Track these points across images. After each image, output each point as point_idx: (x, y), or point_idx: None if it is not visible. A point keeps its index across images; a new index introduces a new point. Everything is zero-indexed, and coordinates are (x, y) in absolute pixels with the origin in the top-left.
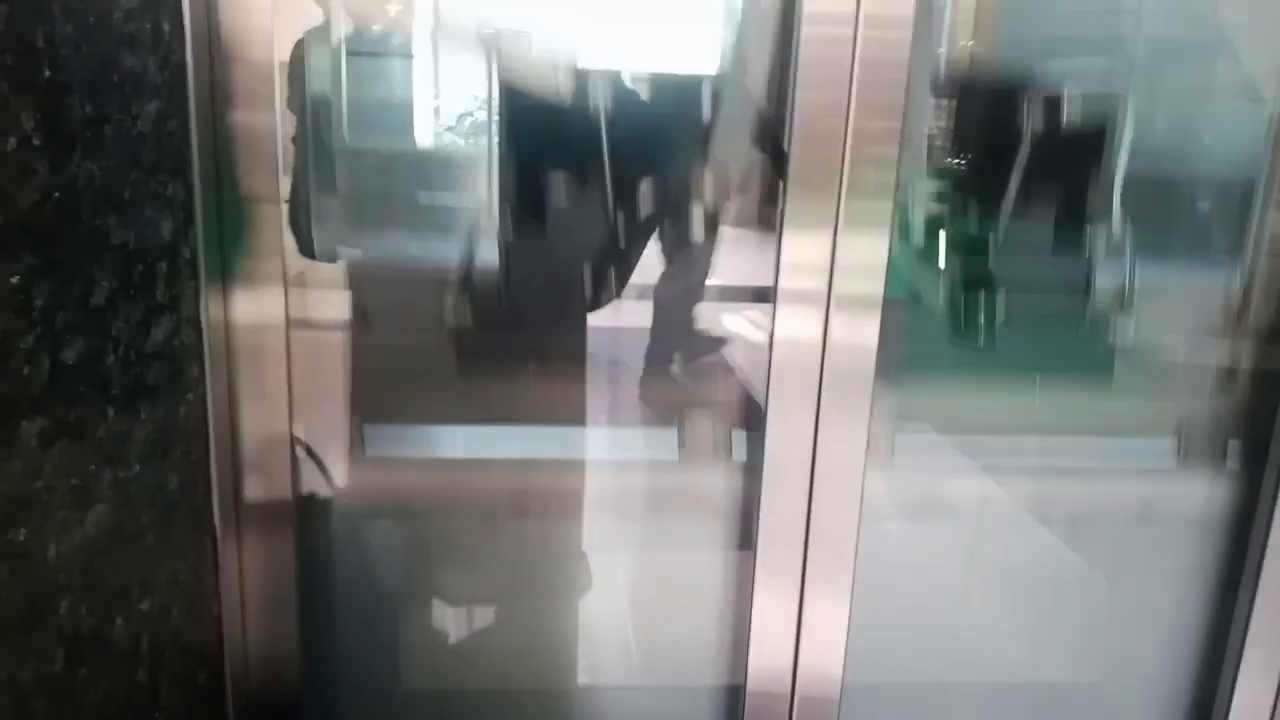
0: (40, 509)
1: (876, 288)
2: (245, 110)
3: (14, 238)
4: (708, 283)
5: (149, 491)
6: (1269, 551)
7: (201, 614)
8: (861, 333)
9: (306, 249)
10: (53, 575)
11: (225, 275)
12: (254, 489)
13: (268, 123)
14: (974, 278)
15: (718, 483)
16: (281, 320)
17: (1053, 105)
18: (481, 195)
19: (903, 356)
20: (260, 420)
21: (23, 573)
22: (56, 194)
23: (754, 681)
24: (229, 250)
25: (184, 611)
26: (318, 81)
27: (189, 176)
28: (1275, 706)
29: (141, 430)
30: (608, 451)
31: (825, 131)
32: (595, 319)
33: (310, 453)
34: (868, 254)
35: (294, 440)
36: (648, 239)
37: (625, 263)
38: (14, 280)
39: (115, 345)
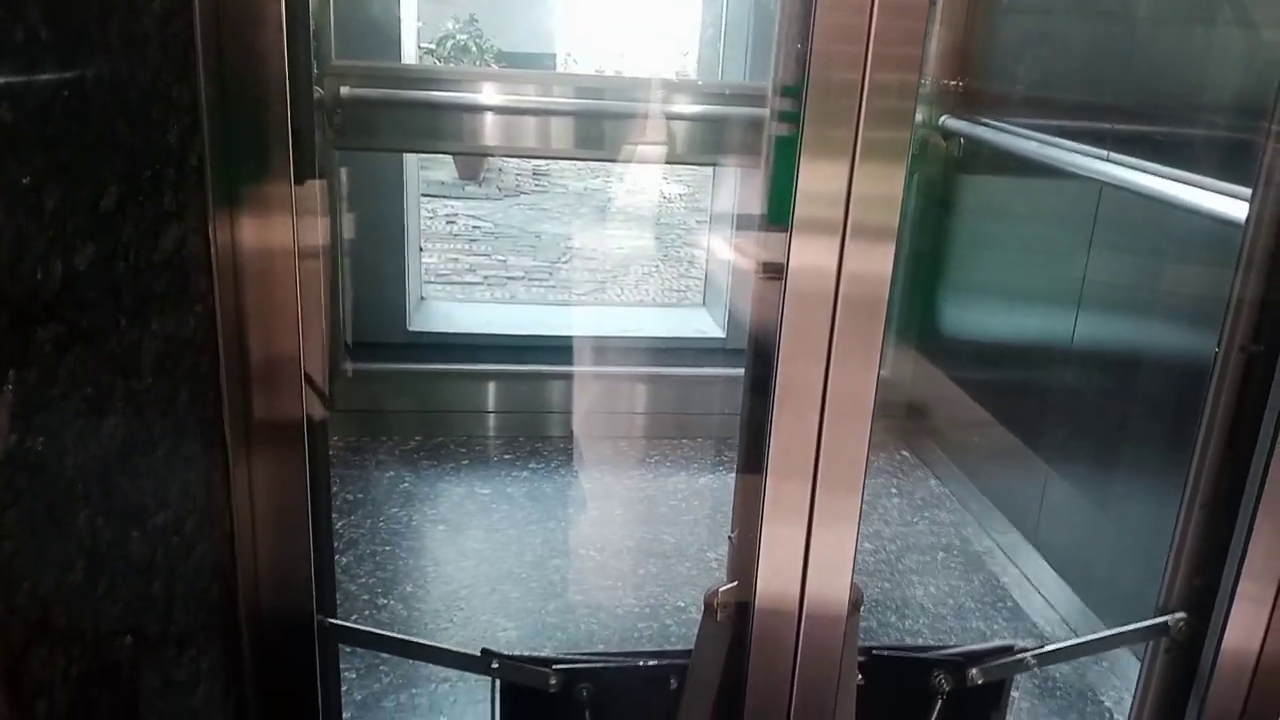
0: (57, 417)
1: (892, 218)
2: (251, 13)
3: (25, 137)
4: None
5: (161, 404)
6: None
7: (214, 529)
8: (876, 262)
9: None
10: (71, 486)
11: (232, 185)
12: (263, 403)
13: (274, 28)
14: None
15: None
16: (289, 236)
17: None
18: None
19: None
20: (269, 335)
21: (42, 482)
22: (65, 93)
23: (762, 600)
24: (236, 160)
25: (197, 526)
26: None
27: (195, 81)
28: None
29: (152, 341)
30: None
31: (844, 59)
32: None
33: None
34: (885, 184)
35: (301, 354)
36: None
37: None
38: (25, 181)
39: (125, 252)
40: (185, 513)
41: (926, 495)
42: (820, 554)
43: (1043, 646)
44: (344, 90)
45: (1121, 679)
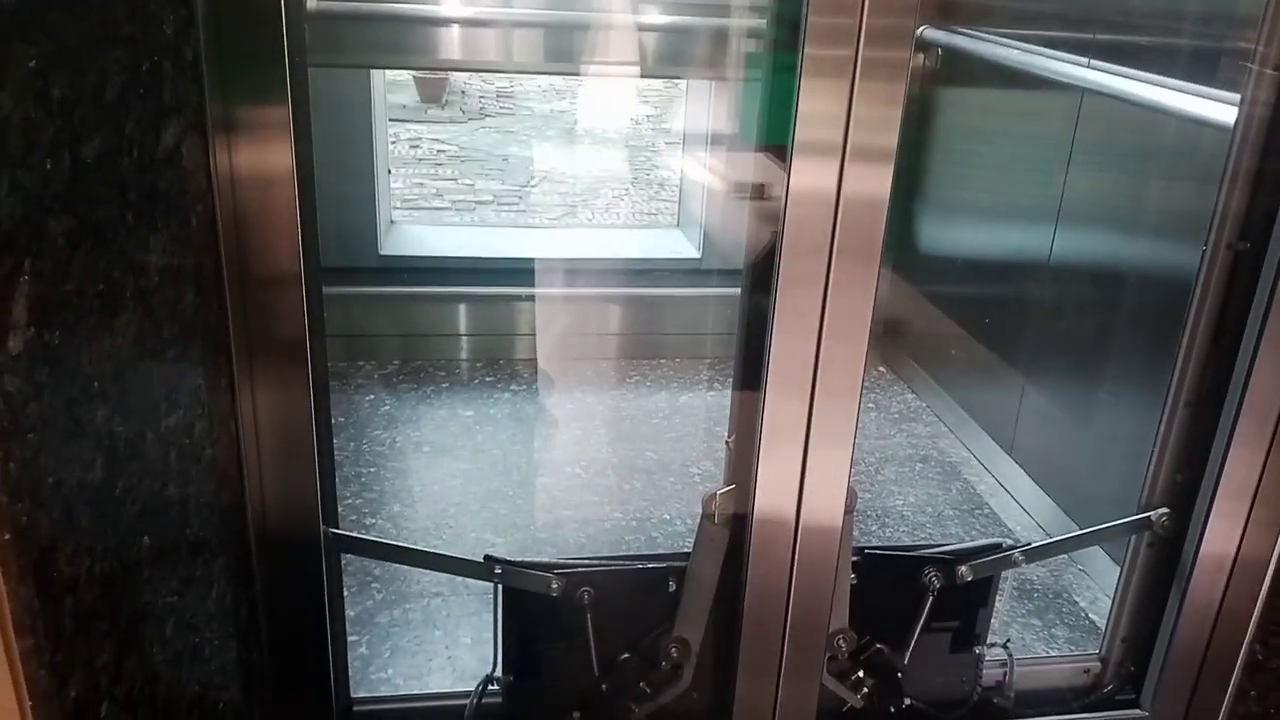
0: (72, 313)
1: (891, 139)
2: None
3: (27, 17)
4: None
5: (168, 304)
6: None
7: (221, 432)
8: (874, 186)
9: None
10: (88, 382)
11: (227, 81)
12: (266, 312)
13: None
14: None
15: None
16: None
17: None
18: None
19: None
20: (269, 237)
21: (60, 377)
22: None
23: (760, 505)
24: (230, 55)
25: (206, 429)
26: None
27: None
28: None
29: (158, 240)
30: None
31: None
32: None
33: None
34: (883, 105)
35: (305, 257)
36: None
37: None
38: (31, 64)
39: (129, 146)
40: (194, 416)
41: (903, 409)
42: (818, 464)
43: (1030, 544)
44: (311, 4)
45: (1098, 581)
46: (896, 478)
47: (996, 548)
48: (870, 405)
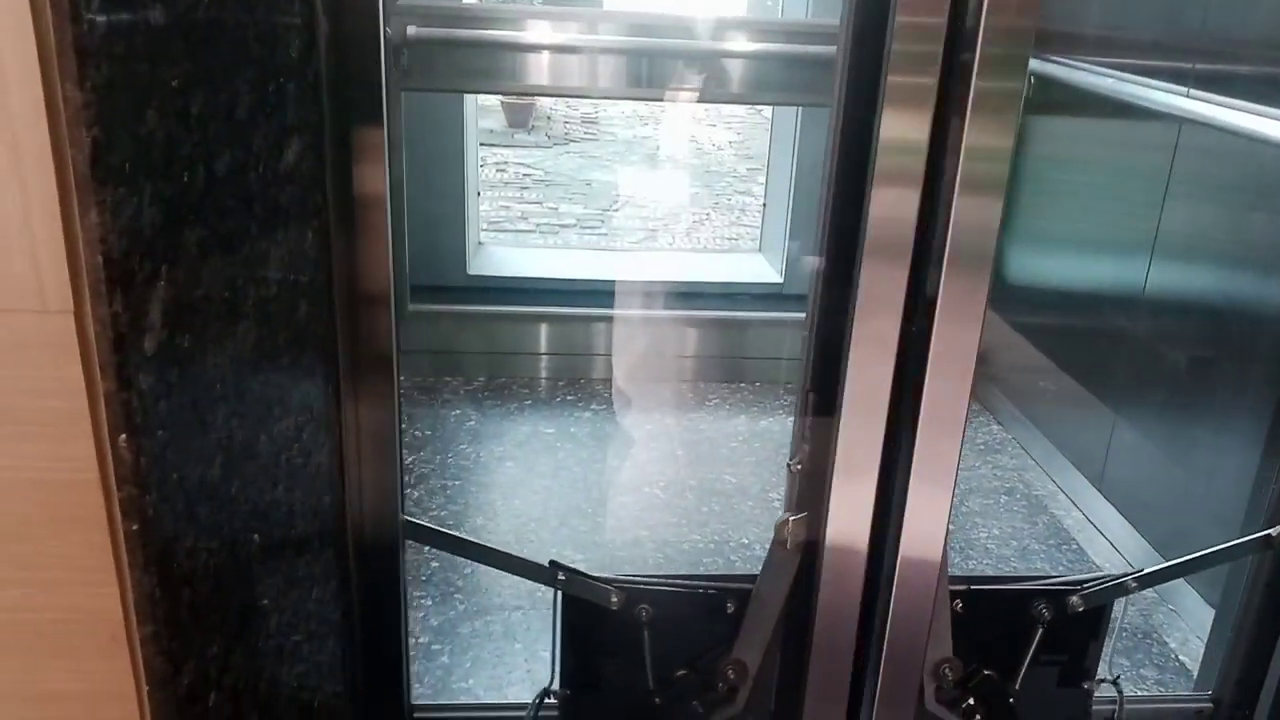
0: (200, 318)
1: (1002, 170)
2: None
3: (175, 39)
4: None
5: (284, 313)
6: None
7: (325, 437)
8: (984, 216)
9: None
10: (211, 385)
11: (343, 104)
12: (363, 323)
13: None
14: None
15: None
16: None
17: None
18: None
19: None
20: (370, 256)
21: (187, 378)
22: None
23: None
24: (341, 78)
25: (314, 435)
26: None
27: (310, 3)
28: None
29: (277, 252)
30: None
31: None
32: None
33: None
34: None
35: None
36: None
37: None
38: (174, 84)
39: (256, 162)
40: (303, 422)
41: (989, 441)
42: (919, 494)
43: (1141, 570)
44: (410, 30)
45: (1188, 622)
46: (981, 509)
47: (1107, 579)
48: None
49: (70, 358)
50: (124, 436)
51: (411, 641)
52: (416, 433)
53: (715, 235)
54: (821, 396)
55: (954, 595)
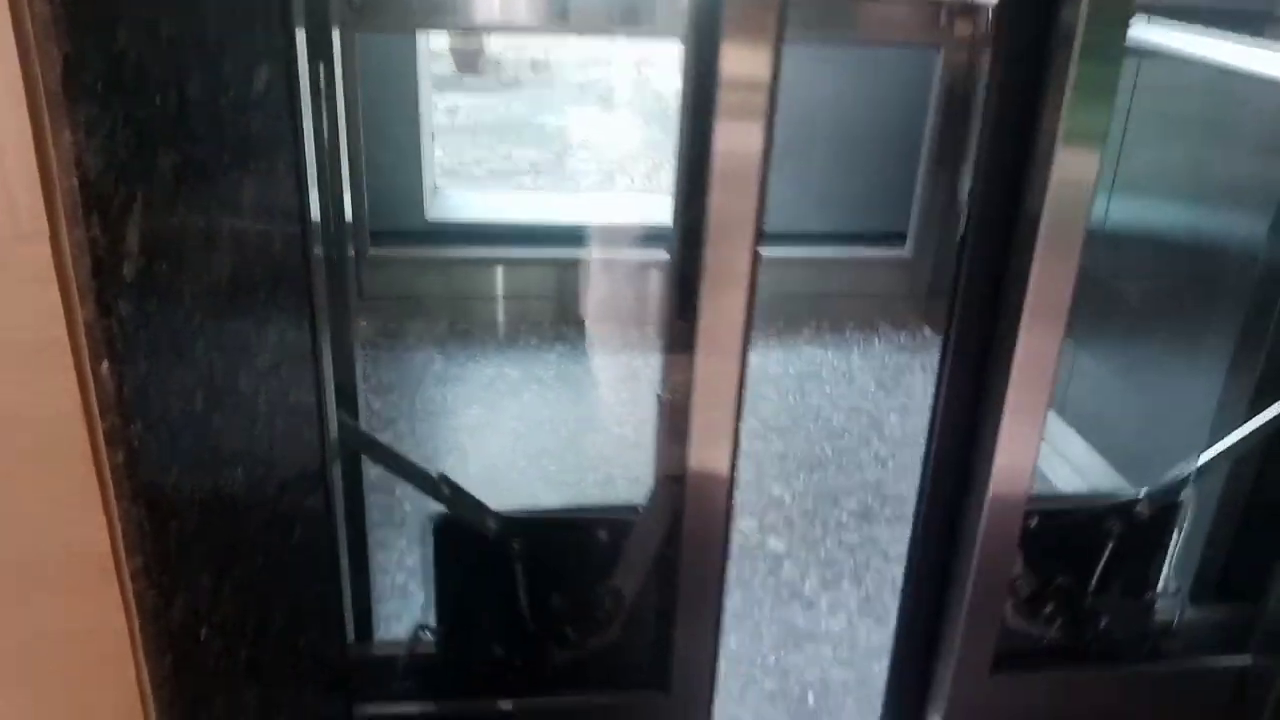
0: (177, 246)
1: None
2: None
3: None
4: None
5: (258, 246)
6: None
7: (305, 374)
8: (1083, 172)
9: None
10: (190, 315)
11: (311, 30)
12: (335, 259)
13: None
14: None
15: None
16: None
17: None
18: None
19: None
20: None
21: (166, 308)
22: None
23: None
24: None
25: (290, 371)
26: None
27: None
28: None
29: (250, 182)
30: None
31: None
32: None
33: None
34: None
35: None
36: None
37: None
38: (143, 2)
39: (226, 88)
40: (280, 357)
41: None
42: (1007, 433)
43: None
44: None
45: None
46: None
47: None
48: (918, 366)
49: (47, 283)
50: (106, 364)
51: (387, 579)
52: (381, 378)
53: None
54: (684, 325)
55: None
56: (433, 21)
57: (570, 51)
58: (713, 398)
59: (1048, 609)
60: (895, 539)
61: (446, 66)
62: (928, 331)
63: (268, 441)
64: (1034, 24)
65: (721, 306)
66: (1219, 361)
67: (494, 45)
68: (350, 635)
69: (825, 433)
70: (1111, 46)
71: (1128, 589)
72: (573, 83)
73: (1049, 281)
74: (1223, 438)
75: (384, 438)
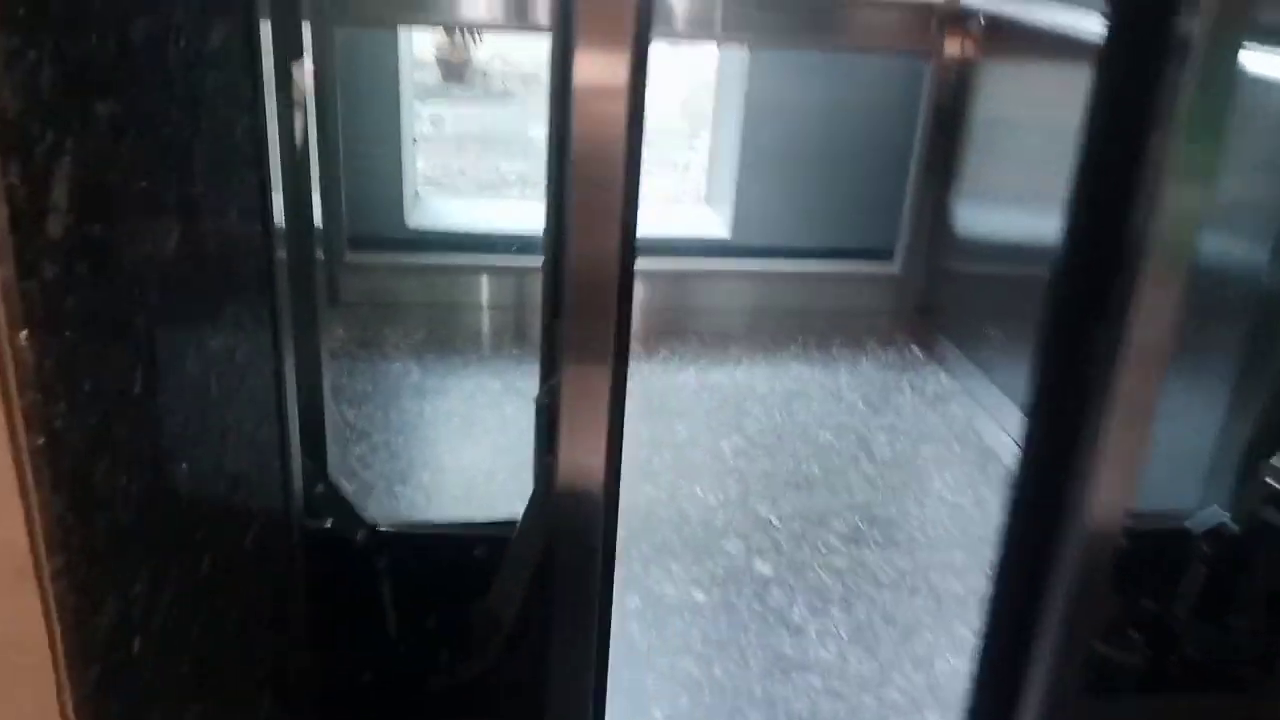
0: (115, 207)
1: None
2: None
3: None
4: None
5: (213, 215)
6: None
7: (263, 363)
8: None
9: None
10: (129, 285)
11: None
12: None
13: None
14: None
15: None
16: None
17: None
18: None
19: None
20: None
21: (100, 275)
22: None
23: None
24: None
25: (247, 358)
26: None
27: None
28: None
29: (202, 144)
30: None
31: None
32: None
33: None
34: None
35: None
36: None
37: None
38: None
39: (177, 36)
40: (237, 341)
41: (938, 391)
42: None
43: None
44: None
45: None
46: (934, 456)
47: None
48: (906, 386)
49: None
50: (25, 333)
51: None
52: (357, 387)
53: (658, 193)
54: (556, 329)
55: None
56: (412, 16)
57: None
58: (583, 406)
59: (1136, 634)
60: (886, 563)
61: (433, 76)
62: (916, 349)
63: (219, 430)
64: (1142, 53)
65: (589, 309)
66: (1221, 378)
67: (482, 55)
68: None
69: (812, 451)
70: (1224, 74)
71: (1218, 612)
72: None
73: (1153, 315)
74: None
75: (358, 450)
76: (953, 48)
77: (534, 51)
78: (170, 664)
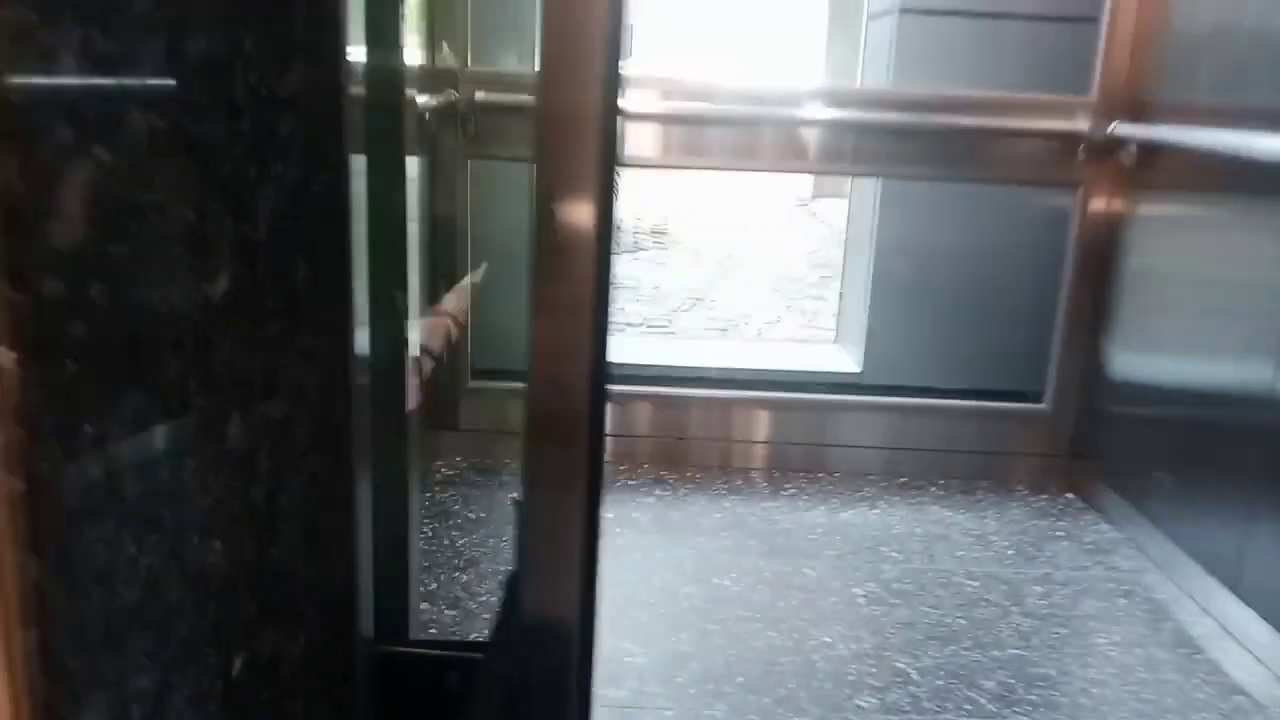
0: (146, 225)
1: None
2: None
3: None
4: None
5: (277, 267)
6: None
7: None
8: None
9: None
10: (159, 323)
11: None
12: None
13: None
14: None
15: None
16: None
17: None
18: None
19: None
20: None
21: (122, 303)
22: None
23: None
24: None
25: (308, 426)
26: None
27: None
28: None
29: (270, 188)
30: None
31: None
32: None
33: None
34: None
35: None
36: None
37: None
38: None
39: (246, 62)
40: (296, 414)
41: (1098, 541)
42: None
43: None
44: (479, 96)
45: None
46: (1098, 613)
47: None
48: (1063, 534)
49: None
50: (14, 355)
51: None
52: (470, 514)
53: (787, 338)
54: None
55: None
56: None
57: (689, 218)
58: (548, 532)
59: None
60: None
61: None
62: (1071, 496)
63: (267, 517)
64: None
65: (559, 436)
66: None
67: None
68: None
69: (957, 602)
70: None
71: None
72: (690, 247)
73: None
74: None
75: (464, 577)
76: (1101, 179)
77: (664, 209)
78: None
